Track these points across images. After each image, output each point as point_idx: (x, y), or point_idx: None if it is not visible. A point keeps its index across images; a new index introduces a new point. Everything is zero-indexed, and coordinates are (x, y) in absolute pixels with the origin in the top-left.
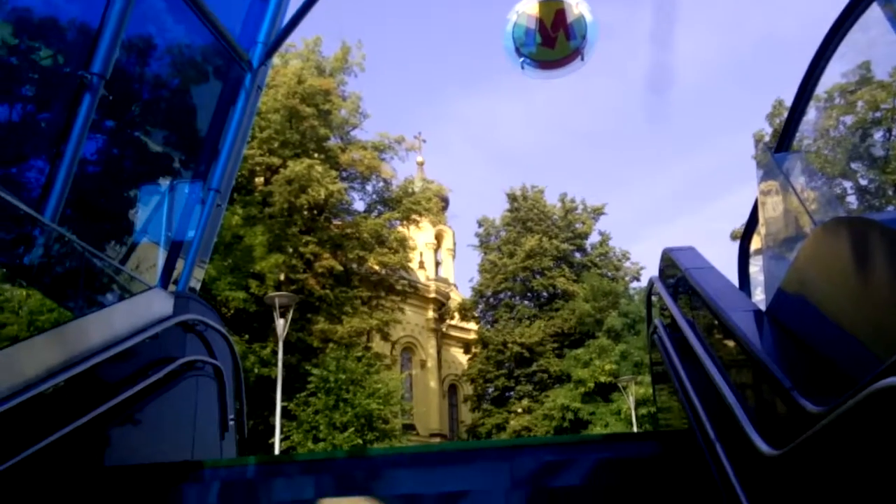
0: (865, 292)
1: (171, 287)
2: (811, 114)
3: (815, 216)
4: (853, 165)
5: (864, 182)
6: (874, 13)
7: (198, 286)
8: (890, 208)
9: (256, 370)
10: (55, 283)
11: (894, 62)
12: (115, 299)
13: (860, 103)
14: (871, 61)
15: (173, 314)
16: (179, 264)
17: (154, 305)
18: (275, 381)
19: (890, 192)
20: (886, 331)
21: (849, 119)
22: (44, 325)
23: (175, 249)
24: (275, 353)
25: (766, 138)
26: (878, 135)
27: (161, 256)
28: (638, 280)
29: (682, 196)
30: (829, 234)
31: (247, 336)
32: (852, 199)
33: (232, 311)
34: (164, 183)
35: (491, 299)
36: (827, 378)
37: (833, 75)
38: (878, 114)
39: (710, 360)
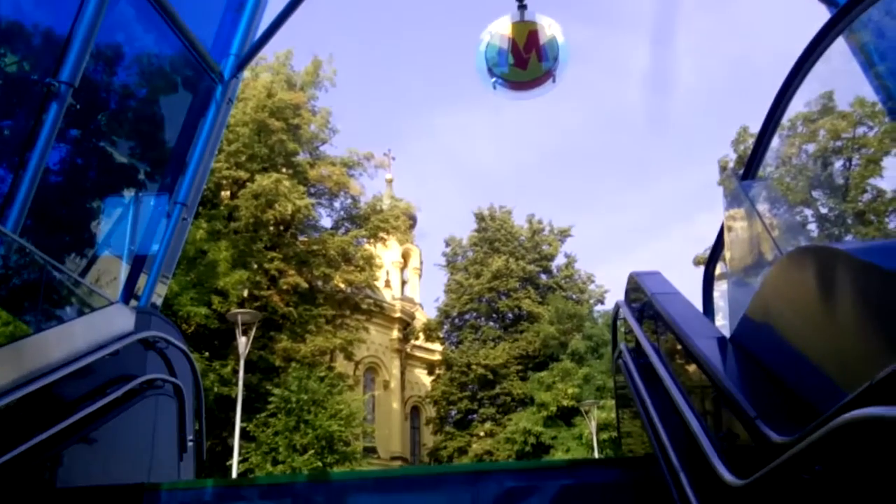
0: (830, 322)
1: (133, 301)
2: (775, 142)
3: (780, 244)
4: (815, 193)
5: (825, 210)
6: (837, 45)
7: (160, 301)
8: (850, 237)
9: (216, 389)
10: (13, 295)
11: (856, 92)
12: (75, 314)
13: (822, 132)
14: (833, 91)
15: (134, 331)
16: (142, 278)
17: (115, 321)
18: (234, 400)
19: (850, 221)
20: (850, 361)
21: (811, 147)
22: (3, 336)
23: (138, 263)
24: (235, 371)
25: (731, 164)
26: (838, 164)
27: (124, 270)
28: (602, 303)
29: (649, 220)
30: (794, 263)
31: (207, 353)
32: (814, 227)
33: (193, 328)
34: (130, 195)
35: (456, 320)
36: (792, 407)
37: (796, 105)
38: (839, 143)
39: (675, 386)
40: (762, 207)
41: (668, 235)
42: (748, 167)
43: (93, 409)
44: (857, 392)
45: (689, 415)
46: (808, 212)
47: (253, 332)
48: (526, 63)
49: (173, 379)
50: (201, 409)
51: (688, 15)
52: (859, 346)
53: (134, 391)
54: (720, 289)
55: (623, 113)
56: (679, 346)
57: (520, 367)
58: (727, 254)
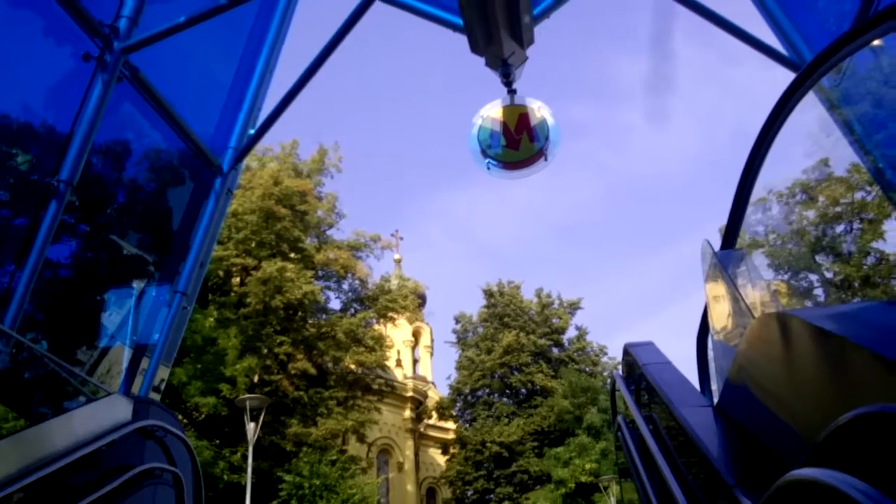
0: (793, 382)
1: (135, 388)
2: (775, 209)
3: (753, 311)
4: (819, 258)
5: (829, 275)
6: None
7: (162, 386)
8: (857, 300)
9: (226, 477)
10: (12, 390)
11: (852, 159)
12: (72, 405)
13: (821, 198)
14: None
15: (132, 420)
16: (144, 365)
17: (113, 411)
18: (244, 488)
19: (856, 284)
20: (812, 420)
21: (811, 213)
22: (7, 433)
23: (139, 353)
24: (245, 458)
25: None
26: (840, 228)
27: (125, 359)
28: None
29: (659, 289)
30: (760, 329)
31: (217, 441)
32: (819, 292)
33: (203, 416)
34: (131, 286)
35: (469, 397)
36: (774, 470)
37: (794, 172)
38: (838, 208)
39: (662, 458)
40: (738, 276)
41: (680, 302)
42: (726, 236)
43: (89, 502)
44: (806, 454)
45: (675, 488)
46: (813, 277)
47: (262, 418)
48: (518, 144)
49: (172, 468)
50: (201, 498)
51: (691, 85)
52: (817, 404)
53: (132, 481)
54: (711, 356)
55: (629, 183)
56: (668, 416)
57: (535, 444)
58: (711, 322)
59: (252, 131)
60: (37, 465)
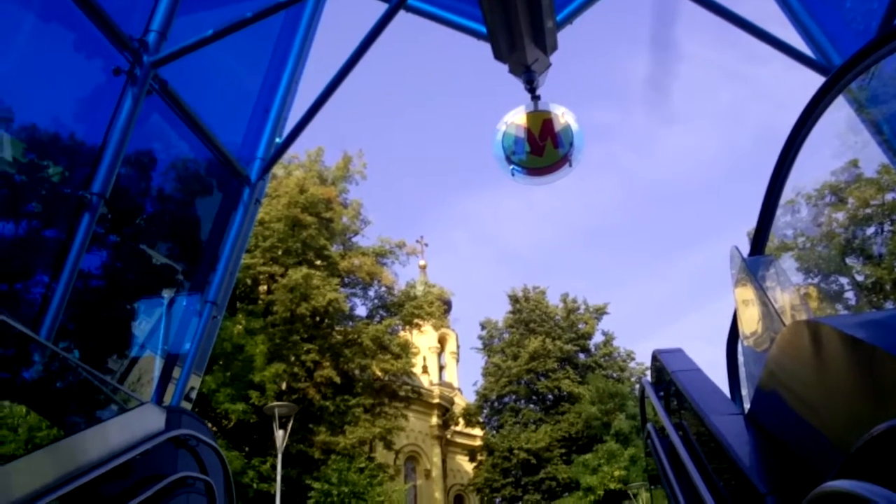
0: (825, 392)
1: (167, 397)
2: (804, 212)
3: (783, 317)
4: (849, 261)
5: (860, 278)
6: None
7: (194, 395)
8: (889, 304)
9: (255, 485)
10: (48, 400)
11: (881, 160)
12: (107, 416)
13: (851, 200)
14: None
15: (165, 430)
16: (176, 374)
17: (146, 421)
18: (274, 496)
19: (888, 287)
20: (845, 428)
21: (841, 216)
22: (42, 441)
23: (170, 362)
24: (275, 467)
25: None
26: (870, 230)
27: (157, 369)
28: None
29: (687, 293)
30: (791, 336)
31: (247, 449)
32: (850, 296)
33: (232, 423)
34: (162, 296)
35: (496, 403)
36: (803, 476)
37: (824, 174)
38: (868, 210)
39: (694, 468)
40: (768, 282)
41: (707, 307)
42: (754, 241)
43: None
44: (839, 465)
45: (706, 495)
46: (844, 280)
47: (290, 425)
48: (542, 150)
49: (204, 477)
50: None
51: (715, 86)
52: (850, 414)
53: (165, 490)
54: (741, 362)
55: (653, 186)
56: (699, 424)
57: (563, 451)
58: (740, 328)
59: (279, 140)
60: (73, 475)
